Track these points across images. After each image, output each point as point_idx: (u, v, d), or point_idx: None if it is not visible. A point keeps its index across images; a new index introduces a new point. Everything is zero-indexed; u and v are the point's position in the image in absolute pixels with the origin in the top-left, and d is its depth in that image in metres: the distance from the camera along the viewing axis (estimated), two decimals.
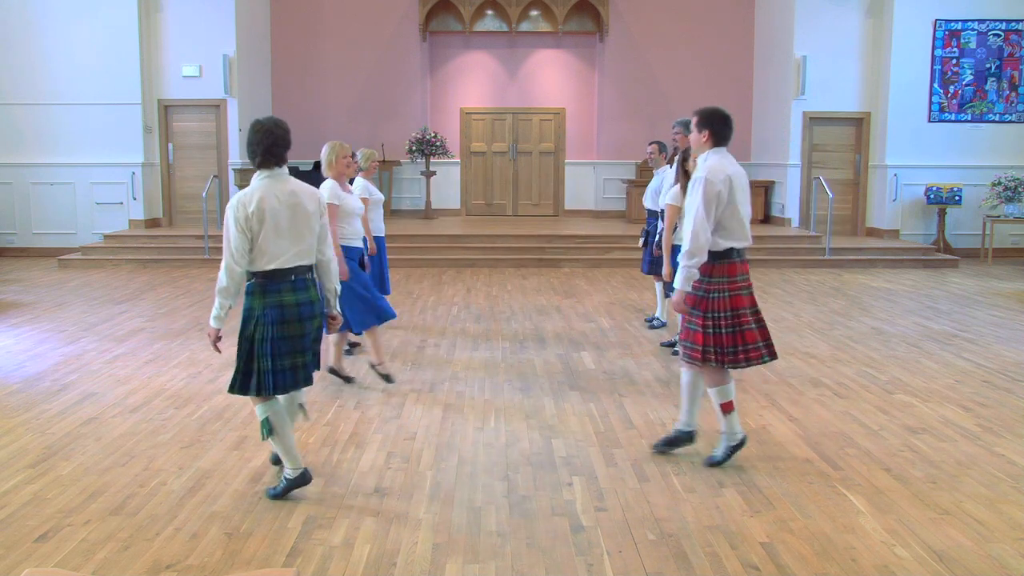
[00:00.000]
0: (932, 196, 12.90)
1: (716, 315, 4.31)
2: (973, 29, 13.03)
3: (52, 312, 8.66)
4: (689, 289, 4.29)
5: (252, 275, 3.96)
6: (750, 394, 5.85)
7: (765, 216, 14.41)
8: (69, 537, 3.69)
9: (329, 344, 6.05)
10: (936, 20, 13.00)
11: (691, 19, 14.99)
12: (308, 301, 4.01)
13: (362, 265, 6.08)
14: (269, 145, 3.93)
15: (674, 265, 5.70)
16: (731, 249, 4.31)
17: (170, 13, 13.19)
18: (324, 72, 15.03)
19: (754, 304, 4.41)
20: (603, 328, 8.01)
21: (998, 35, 13.06)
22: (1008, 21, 13.03)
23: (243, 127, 13.44)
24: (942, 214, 13.07)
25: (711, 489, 4.22)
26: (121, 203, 13.18)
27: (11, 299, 9.42)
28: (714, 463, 4.49)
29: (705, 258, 4.24)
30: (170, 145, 13.53)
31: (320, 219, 4.09)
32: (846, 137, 13.71)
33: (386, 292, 7.68)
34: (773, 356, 4.43)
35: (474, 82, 15.61)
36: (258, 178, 3.97)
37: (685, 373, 4.58)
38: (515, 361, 6.80)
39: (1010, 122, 13.19)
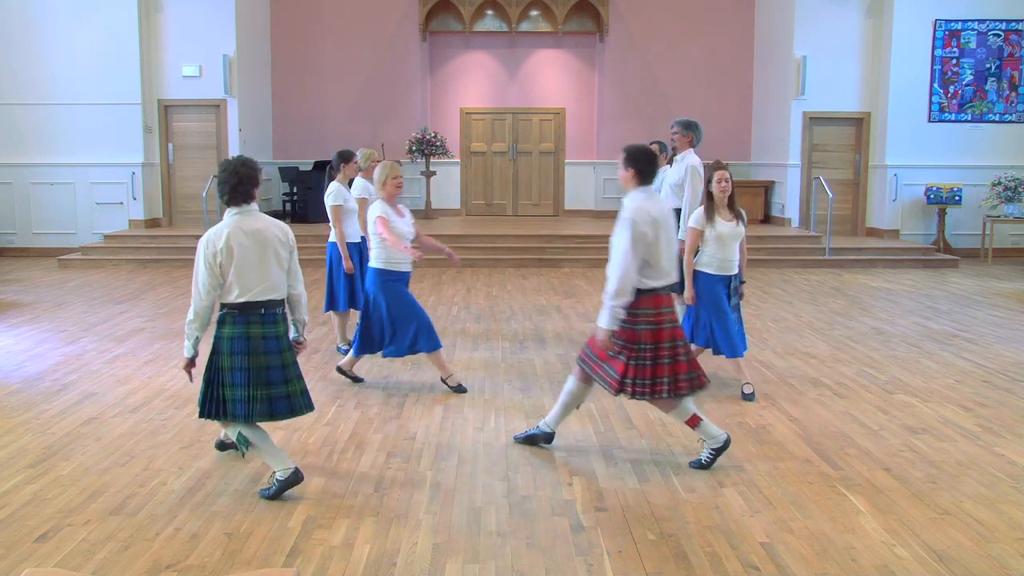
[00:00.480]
0: (932, 196, 12.90)
1: (640, 346, 4.31)
2: (973, 29, 13.03)
3: (52, 312, 8.66)
4: (616, 328, 4.27)
5: (224, 306, 4.10)
6: None
7: (765, 216, 14.42)
8: (69, 537, 3.69)
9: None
10: (936, 20, 13.00)
11: (691, 19, 14.99)
12: (275, 335, 4.13)
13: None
14: (235, 184, 4.06)
15: (696, 288, 5.70)
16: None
17: (170, 13, 13.19)
18: (324, 72, 15.03)
19: (673, 339, 4.38)
20: None
21: (998, 35, 13.06)
22: (1008, 21, 13.02)
23: (243, 127, 13.45)
24: (942, 214, 13.07)
25: (711, 489, 4.22)
26: (121, 203, 13.18)
27: (11, 299, 9.42)
28: (699, 466, 4.48)
29: (631, 298, 4.24)
30: (170, 145, 13.53)
31: (290, 255, 4.22)
32: (846, 137, 13.71)
33: None
34: (692, 389, 4.41)
35: (474, 82, 15.61)
36: (228, 215, 4.11)
37: (571, 380, 4.62)
38: (515, 361, 6.80)
39: (1010, 122, 13.19)
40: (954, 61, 13.09)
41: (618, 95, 15.14)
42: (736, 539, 3.69)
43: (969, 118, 13.16)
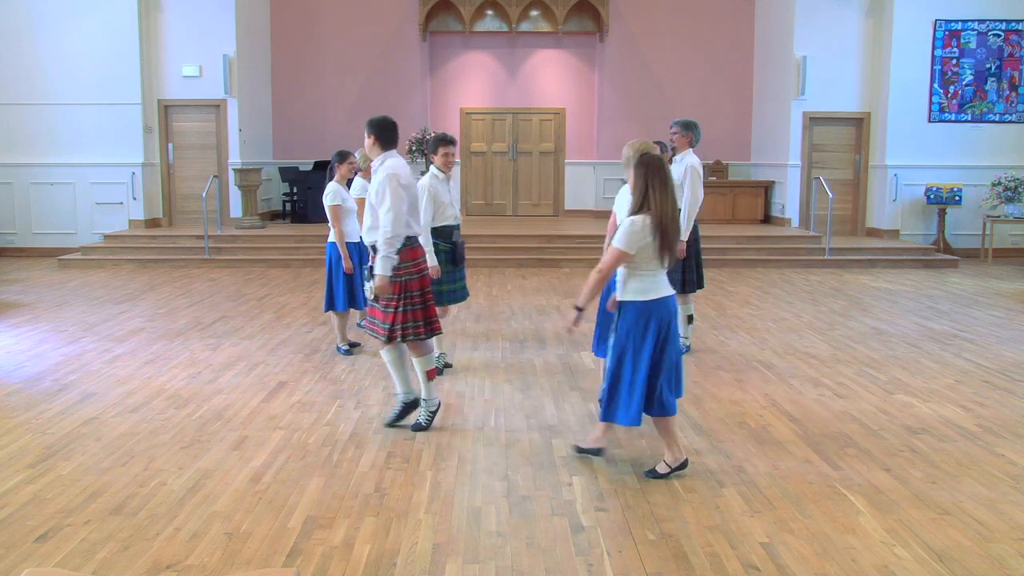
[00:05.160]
0: (932, 196, 12.90)
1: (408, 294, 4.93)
2: (973, 29, 13.03)
3: (52, 312, 8.66)
4: (390, 274, 4.81)
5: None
6: (750, 394, 5.86)
7: (765, 216, 14.42)
8: (69, 537, 3.69)
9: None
10: (936, 20, 13.00)
11: (691, 19, 14.99)
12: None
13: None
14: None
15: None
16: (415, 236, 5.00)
17: (170, 13, 13.19)
18: (324, 72, 15.03)
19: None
20: None
21: (998, 35, 13.06)
22: (1008, 21, 13.03)
23: (243, 127, 13.45)
24: (942, 214, 13.07)
25: (711, 489, 4.22)
26: (121, 203, 13.18)
27: (11, 299, 9.42)
28: (419, 428, 5.05)
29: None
30: (170, 145, 13.53)
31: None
32: (846, 137, 13.71)
33: None
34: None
35: (474, 82, 15.61)
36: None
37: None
38: (515, 361, 6.80)
39: (1010, 122, 13.19)
40: (954, 61, 13.09)
41: (618, 95, 15.15)
42: (736, 539, 3.69)
43: (969, 118, 13.16)
